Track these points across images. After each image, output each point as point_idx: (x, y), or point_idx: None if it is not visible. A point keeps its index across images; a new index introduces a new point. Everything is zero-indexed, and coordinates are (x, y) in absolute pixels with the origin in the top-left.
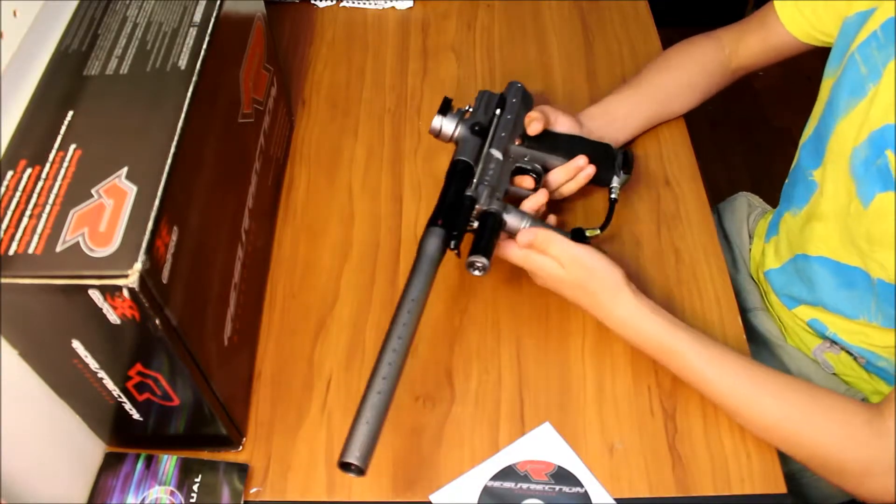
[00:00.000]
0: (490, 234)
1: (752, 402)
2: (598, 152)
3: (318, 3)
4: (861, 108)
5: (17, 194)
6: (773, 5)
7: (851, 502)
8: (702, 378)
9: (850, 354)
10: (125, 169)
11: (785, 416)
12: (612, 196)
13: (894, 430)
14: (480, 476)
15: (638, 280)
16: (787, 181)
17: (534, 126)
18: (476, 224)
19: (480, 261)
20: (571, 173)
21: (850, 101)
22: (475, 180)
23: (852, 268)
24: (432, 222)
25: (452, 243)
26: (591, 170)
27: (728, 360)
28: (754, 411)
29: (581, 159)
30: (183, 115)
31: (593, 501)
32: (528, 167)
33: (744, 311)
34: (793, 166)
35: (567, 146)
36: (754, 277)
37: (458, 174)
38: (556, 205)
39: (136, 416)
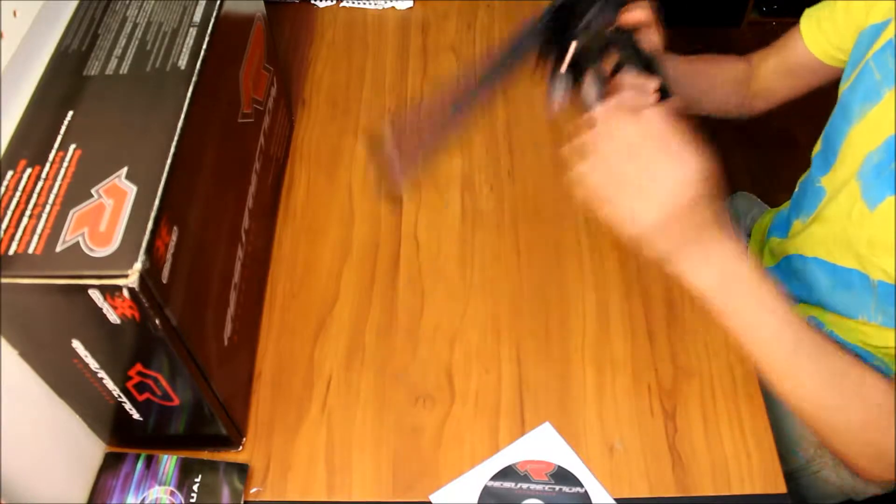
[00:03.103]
0: (587, 58)
1: (792, 364)
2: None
3: (318, 3)
4: (876, 114)
5: (17, 194)
6: (798, 27)
7: (850, 502)
8: (787, 324)
9: None
10: (125, 169)
11: (825, 394)
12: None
13: None
14: (480, 476)
15: (638, 280)
16: (797, 190)
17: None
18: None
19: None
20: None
21: (864, 106)
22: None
23: (848, 269)
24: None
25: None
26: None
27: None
28: (794, 373)
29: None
30: (183, 115)
31: (593, 501)
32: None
33: None
34: (804, 177)
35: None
36: None
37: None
38: None
39: (136, 416)
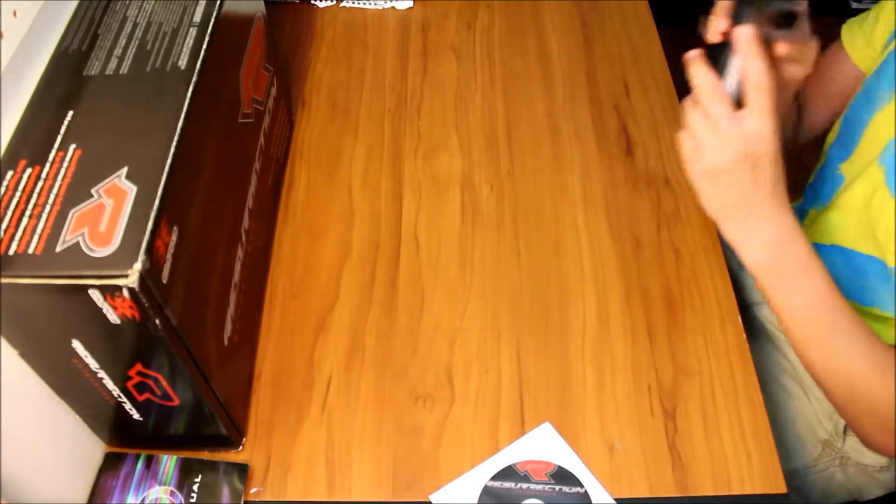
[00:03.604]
0: None
1: (827, 343)
2: None
3: (318, 3)
4: None
5: (17, 194)
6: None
7: (854, 502)
8: (829, 308)
9: None
10: (125, 169)
11: (864, 371)
12: None
13: None
14: (480, 476)
15: (638, 280)
16: (811, 180)
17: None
18: None
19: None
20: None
21: (889, 93)
22: None
23: (867, 256)
24: None
25: None
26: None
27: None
28: (827, 351)
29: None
30: (183, 115)
31: (593, 501)
32: None
33: (748, 306)
34: (819, 166)
35: None
36: None
37: None
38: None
39: (136, 416)
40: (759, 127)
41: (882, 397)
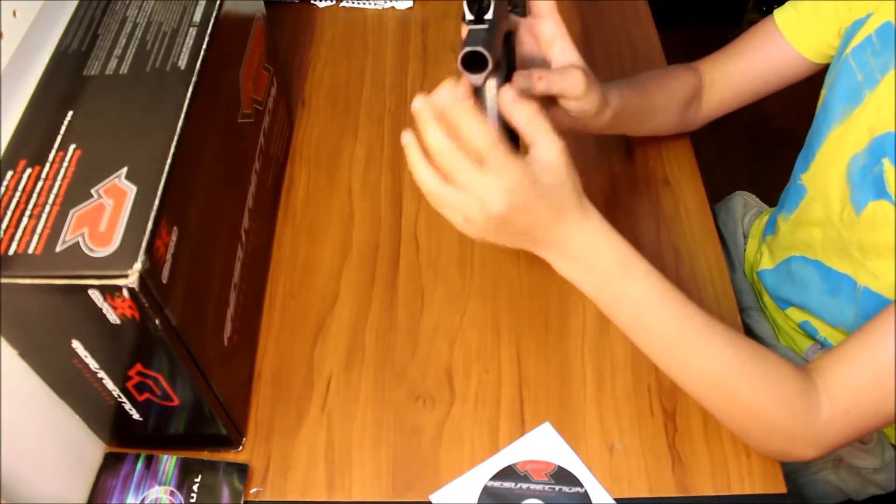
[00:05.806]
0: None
1: (697, 352)
2: None
3: (318, 3)
4: (859, 115)
5: (17, 194)
6: (765, 27)
7: (849, 502)
8: (653, 315)
9: None
10: (125, 169)
11: (727, 372)
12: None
13: (824, 405)
14: (480, 476)
15: None
16: (787, 186)
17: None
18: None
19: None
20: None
21: (846, 107)
22: None
23: (841, 274)
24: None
25: None
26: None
27: (683, 301)
28: (697, 363)
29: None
30: (183, 115)
31: (593, 501)
32: None
33: (739, 311)
34: (793, 171)
35: None
36: (749, 277)
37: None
38: None
39: (136, 416)
40: (505, 179)
41: (754, 400)
